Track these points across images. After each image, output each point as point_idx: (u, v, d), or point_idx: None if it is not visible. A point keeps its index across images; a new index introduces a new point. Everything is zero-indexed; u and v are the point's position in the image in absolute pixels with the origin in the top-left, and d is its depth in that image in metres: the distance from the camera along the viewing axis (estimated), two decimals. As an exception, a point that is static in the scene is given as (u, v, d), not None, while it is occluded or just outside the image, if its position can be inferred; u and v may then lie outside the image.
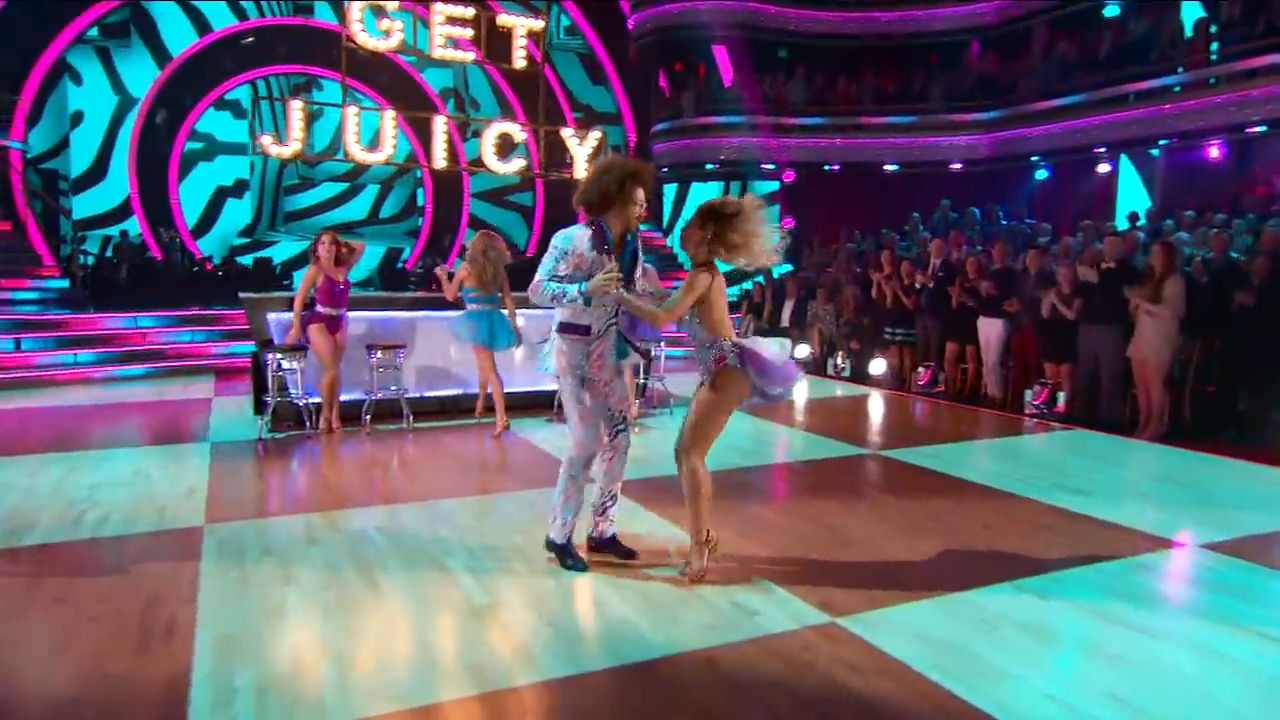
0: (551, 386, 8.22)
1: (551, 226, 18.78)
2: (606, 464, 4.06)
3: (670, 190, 19.16)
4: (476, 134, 8.75)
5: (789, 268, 12.90)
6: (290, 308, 6.86)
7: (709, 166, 17.07)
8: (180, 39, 16.56)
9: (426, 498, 5.25)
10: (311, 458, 6.34)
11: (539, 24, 8.77)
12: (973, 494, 5.48)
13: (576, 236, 3.84)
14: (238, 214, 18.55)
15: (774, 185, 17.62)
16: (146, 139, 16.34)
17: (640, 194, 3.88)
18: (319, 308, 6.79)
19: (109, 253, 15.52)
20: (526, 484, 5.58)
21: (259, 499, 5.21)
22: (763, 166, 16.51)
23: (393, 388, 7.22)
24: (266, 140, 7.94)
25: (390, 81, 17.62)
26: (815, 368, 11.14)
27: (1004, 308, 8.65)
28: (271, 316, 7.16)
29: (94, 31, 15.70)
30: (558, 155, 9.55)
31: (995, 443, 7.43)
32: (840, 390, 10.00)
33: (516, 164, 8.94)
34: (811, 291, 11.63)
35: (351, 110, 8.06)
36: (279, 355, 6.80)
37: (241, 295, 7.28)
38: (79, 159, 16.45)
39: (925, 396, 9.29)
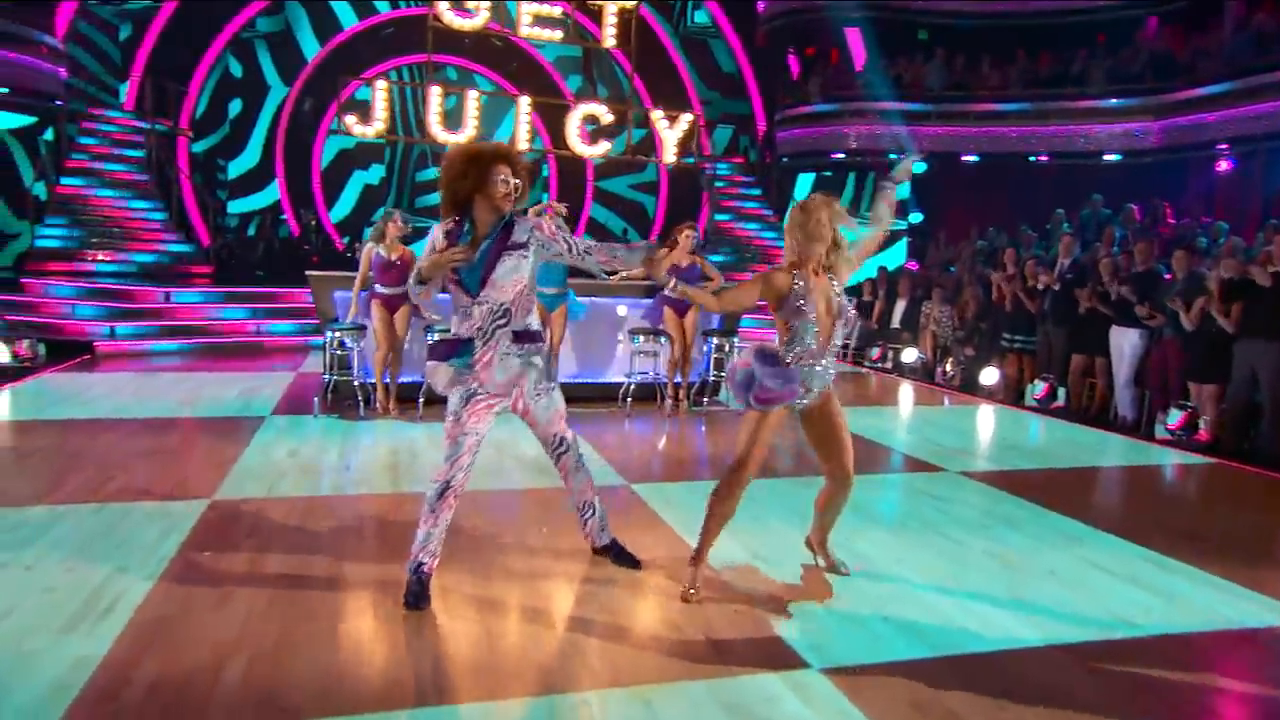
0: (616, 378, 7.90)
1: (673, 214, 18.40)
2: (565, 483, 3.81)
3: (807, 180, 18.25)
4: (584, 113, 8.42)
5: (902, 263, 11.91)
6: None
7: (836, 155, 16.13)
8: (327, 31, 17.43)
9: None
10: (352, 439, 6.26)
11: (630, 3, 8.39)
12: (1057, 531, 4.63)
13: (432, 234, 3.53)
14: (373, 198, 19.37)
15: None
16: (293, 126, 17.31)
17: (500, 174, 3.30)
18: (376, 286, 6.74)
19: (252, 232, 16.60)
20: (548, 479, 5.24)
21: (277, 477, 5.15)
22: (892, 156, 15.43)
23: (450, 372, 7.08)
24: (350, 120, 8.03)
25: (521, 69, 17.83)
26: (924, 374, 10.18)
27: (1141, 316, 7.49)
28: (338, 294, 7.20)
29: (253, 24, 16.80)
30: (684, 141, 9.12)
31: (1111, 472, 6.39)
32: (946, 400, 9.04)
33: (602, 147, 8.63)
34: (927, 291, 10.65)
35: (435, 90, 8.00)
36: (340, 334, 6.82)
37: (308, 273, 7.37)
38: (234, 145, 17.66)
39: (1041, 413, 8.19)
